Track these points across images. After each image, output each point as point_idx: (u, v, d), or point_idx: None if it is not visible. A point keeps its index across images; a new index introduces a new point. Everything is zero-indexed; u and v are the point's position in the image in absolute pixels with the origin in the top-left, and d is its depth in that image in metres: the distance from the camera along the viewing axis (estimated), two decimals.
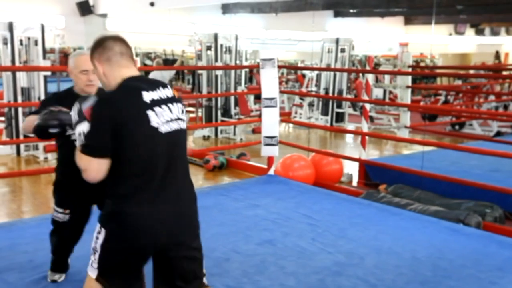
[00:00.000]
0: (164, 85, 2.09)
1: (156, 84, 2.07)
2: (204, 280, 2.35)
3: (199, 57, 10.57)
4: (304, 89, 13.72)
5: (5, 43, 8.02)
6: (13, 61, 7.94)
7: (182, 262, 2.10)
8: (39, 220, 4.22)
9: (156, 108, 1.98)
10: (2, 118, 8.97)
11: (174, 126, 2.03)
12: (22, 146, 8.09)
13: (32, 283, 2.96)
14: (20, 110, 8.09)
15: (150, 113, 1.96)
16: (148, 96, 1.98)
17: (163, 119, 1.99)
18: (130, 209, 1.96)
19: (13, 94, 8.04)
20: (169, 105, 2.03)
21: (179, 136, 2.06)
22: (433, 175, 5.16)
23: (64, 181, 2.85)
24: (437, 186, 5.27)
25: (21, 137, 8.04)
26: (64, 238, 2.93)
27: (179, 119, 2.06)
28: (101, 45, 2.06)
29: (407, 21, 20.39)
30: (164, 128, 1.99)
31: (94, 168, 1.93)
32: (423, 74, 17.46)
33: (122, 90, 2.00)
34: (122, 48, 2.07)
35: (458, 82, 13.73)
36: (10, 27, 7.91)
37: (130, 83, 2.02)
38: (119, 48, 2.05)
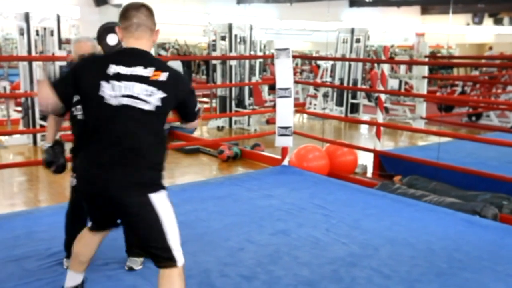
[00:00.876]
0: (146, 65, 2.16)
1: (136, 61, 2.16)
2: (176, 255, 2.19)
3: (213, 47, 10.55)
4: (318, 80, 13.64)
5: (22, 34, 8.08)
6: (29, 51, 8.00)
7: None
8: (55, 209, 4.27)
9: (114, 81, 2.12)
10: (19, 108, 9.07)
11: (127, 102, 2.12)
12: (38, 136, 8.17)
13: (49, 270, 3.00)
14: (36, 100, 8.17)
15: (104, 83, 2.12)
16: (114, 68, 2.13)
17: (117, 93, 2.11)
18: (80, 160, 2.35)
19: (30, 84, 8.11)
20: (133, 83, 2.12)
21: (132, 113, 2.13)
22: (449, 167, 5.11)
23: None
24: (453, 178, 5.21)
25: (38, 126, 8.13)
26: (78, 207, 2.83)
27: (137, 98, 2.12)
28: (123, 15, 2.22)
29: (424, 11, 20.13)
30: (114, 101, 2.12)
31: (46, 91, 2.18)
32: (439, 64, 17.25)
33: (94, 58, 2.34)
34: (141, 19, 2.21)
35: (475, 73, 13.54)
36: (27, 17, 7.96)
37: (112, 54, 2.33)
38: (137, 19, 2.20)
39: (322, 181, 5.24)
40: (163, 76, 2.15)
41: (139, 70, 2.14)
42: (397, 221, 4.03)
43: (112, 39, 2.87)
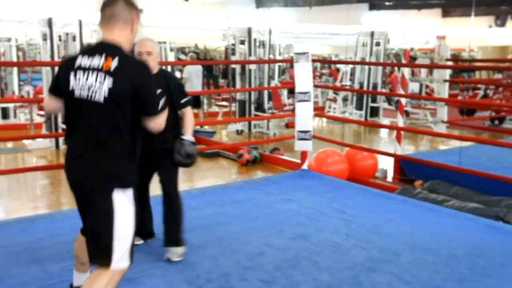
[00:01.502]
0: (102, 54, 2.14)
1: (95, 52, 2.17)
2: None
3: (232, 51, 10.60)
4: (338, 83, 13.58)
5: (45, 39, 8.23)
6: (52, 56, 8.14)
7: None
8: (77, 212, 4.32)
9: (77, 74, 2.16)
10: (42, 112, 9.22)
11: (84, 93, 2.14)
12: (61, 140, 8.29)
13: (71, 272, 3.02)
14: None
15: (71, 77, 2.17)
16: (79, 61, 2.17)
17: (79, 85, 2.15)
18: (66, 149, 2.31)
19: None
20: (89, 73, 2.13)
21: (88, 104, 2.13)
22: (471, 171, 5.03)
23: None
24: (475, 183, 5.14)
25: (60, 130, 8.25)
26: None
27: (89, 88, 2.12)
28: (101, 9, 2.23)
29: (445, 14, 19.88)
30: (77, 93, 2.16)
31: (45, 99, 2.43)
32: (461, 68, 17.03)
33: (72, 55, 2.33)
34: (115, 10, 2.19)
35: (498, 76, 13.34)
36: (50, 23, 8.11)
37: (84, 48, 2.37)
38: (110, 11, 2.20)
39: (342, 185, 5.21)
40: (113, 65, 2.11)
41: (94, 60, 2.14)
42: (418, 226, 3.98)
43: None
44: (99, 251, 2.16)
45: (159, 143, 3.03)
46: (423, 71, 11.52)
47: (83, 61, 2.15)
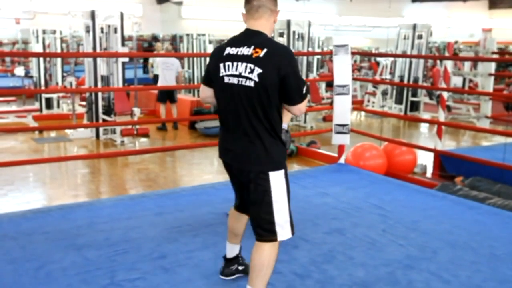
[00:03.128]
0: (249, 45, 2.30)
1: (242, 42, 2.33)
2: (279, 230, 2.40)
3: None
4: (377, 77, 13.36)
5: (88, 31, 8.41)
6: (94, 48, 8.31)
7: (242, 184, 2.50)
8: (115, 201, 4.42)
9: (227, 62, 2.33)
10: (84, 103, 9.45)
11: (234, 80, 2.30)
12: (101, 130, 8.48)
13: (108, 260, 3.10)
14: (100, 95, 8.48)
15: (221, 65, 2.35)
16: (227, 51, 2.35)
17: (228, 72, 2.32)
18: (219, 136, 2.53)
19: (94, 80, 8.42)
20: (238, 62, 2.29)
21: (239, 90, 2.29)
22: None
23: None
24: None
25: (100, 121, 8.44)
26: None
27: (240, 75, 2.28)
28: (247, 1, 2.39)
29: (492, 5, 19.26)
30: (227, 79, 2.33)
31: (201, 89, 2.57)
32: (507, 61, 16.46)
33: (219, 46, 2.47)
34: (261, 1, 2.35)
35: None
36: (93, 15, 8.27)
37: (231, 38, 2.43)
38: (257, 2, 2.35)
39: (379, 180, 5.13)
40: (262, 53, 2.25)
41: (243, 50, 2.30)
42: (458, 224, 3.88)
43: None
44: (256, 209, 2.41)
45: None
46: (467, 65, 11.19)
47: (232, 50, 2.33)
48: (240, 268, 2.87)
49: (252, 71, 2.23)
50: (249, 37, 2.34)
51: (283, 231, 2.41)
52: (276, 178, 2.34)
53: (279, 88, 2.26)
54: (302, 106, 2.36)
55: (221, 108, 2.43)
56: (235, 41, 2.36)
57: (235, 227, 2.76)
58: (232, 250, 2.85)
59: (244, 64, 2.26)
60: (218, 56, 2.37)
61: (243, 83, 2.26)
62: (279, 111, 2.36)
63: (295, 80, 2.27)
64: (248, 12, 2.38)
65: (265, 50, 2.24)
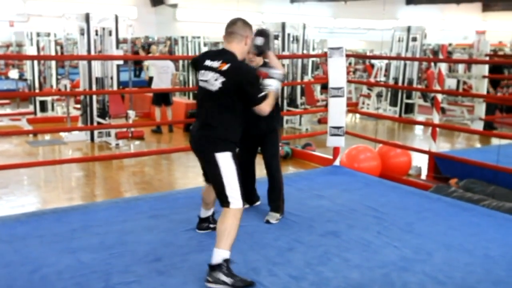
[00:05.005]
0: (219, 59, 2.94)
1: (215, 57, 2.99)
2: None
3: None
4: (372, 79, 13.40)
5: (82, 34, 8.38)
6: (88, 50, 8.29)
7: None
8: (110, 204, 4.41)
9: (202, 71, 3.01)
10: (78, 106, 9.42)
11: (203, 84, 2.99)
12: (95, 133, 8.45)
13: (103, 263, 3.09)
14: (94, 98, 8.46)
15: (200, 72, 3.03)
16: (206, 62, 3.01)
17: (203, 78, 3.00)
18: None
19: (88, 82, 8.40)
20: (208, 71, 2.96)
21: (204, 92, 2.98)
22: (509, 170, 4.88)
23: None
24: None
25: (95, 124, 8.42)
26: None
27: (206, 81, 2.96)
28: (226, 27, 3.03)
29: (485, 8, 19.37)
30: (201, 84, 3.01)
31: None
32: (499, 63, 16.52)
33: (202, 53, 3.30)
34: (234, 28, 3.00)
35: None
36: (87, 18, 8.25)
37: (211, 51, 3.31)
38: (230, 29, 3.01)
39: (374, 182, 5.14)
40: (225, 67, 2.89)
41: (213, 63, 2.95)
42: (452, 226, 3.89)
43: (258, 40, 3.56)
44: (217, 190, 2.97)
45: (263, 125, 3.75)
46: (461, 67, 11.24)
47: (208, 62, 2.98)
48: (212, 226, 3.52)
49: (216, 79, 2.89)
50: (221, 54, 2.99)
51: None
52: (224, 159, 2.88)
53: (238, 94, 2.89)
54: (262, 106, 2.97)
55: (197, 103, 3.14)
56: (211, 55, 3.04)
57: (205, 197, 3.48)
58: (205, 213, 3.56)
59: (212, 73, 2.92)
60: (201, 65, 3.04)
61: (208, 88, 2.93)
62: (232, 112, 2.95)
63: (251, 88, 2.92)
64: (224, 36, 3.04)
65: (228, 65, 2.88)
